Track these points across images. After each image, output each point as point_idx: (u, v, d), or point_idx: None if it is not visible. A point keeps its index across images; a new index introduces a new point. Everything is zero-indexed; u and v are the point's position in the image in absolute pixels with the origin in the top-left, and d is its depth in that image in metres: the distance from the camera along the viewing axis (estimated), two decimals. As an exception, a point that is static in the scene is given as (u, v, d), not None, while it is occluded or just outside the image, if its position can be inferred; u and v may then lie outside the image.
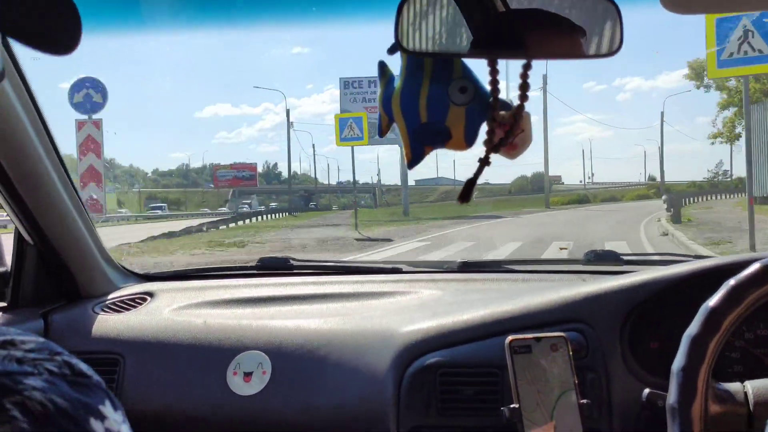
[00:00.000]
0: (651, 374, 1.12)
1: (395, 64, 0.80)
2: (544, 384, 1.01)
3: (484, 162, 0.81)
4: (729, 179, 53.72)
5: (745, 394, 0.80)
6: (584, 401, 1.01)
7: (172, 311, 1.50)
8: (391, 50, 0.76)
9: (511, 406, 0.99)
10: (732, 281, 0.79)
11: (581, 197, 37.63)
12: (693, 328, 0.79)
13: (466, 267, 1.73)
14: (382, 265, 1.86)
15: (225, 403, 1.28)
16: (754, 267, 0.78)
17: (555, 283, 1.51)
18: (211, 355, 1.34)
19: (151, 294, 1.59)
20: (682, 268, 1.17)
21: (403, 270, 1.76)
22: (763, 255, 0.85)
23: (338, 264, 1.97)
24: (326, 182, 66.10)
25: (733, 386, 0.81)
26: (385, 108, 0.78)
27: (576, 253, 8.14)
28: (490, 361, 1.13)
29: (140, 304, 1.55)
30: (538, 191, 46.82)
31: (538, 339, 1.04)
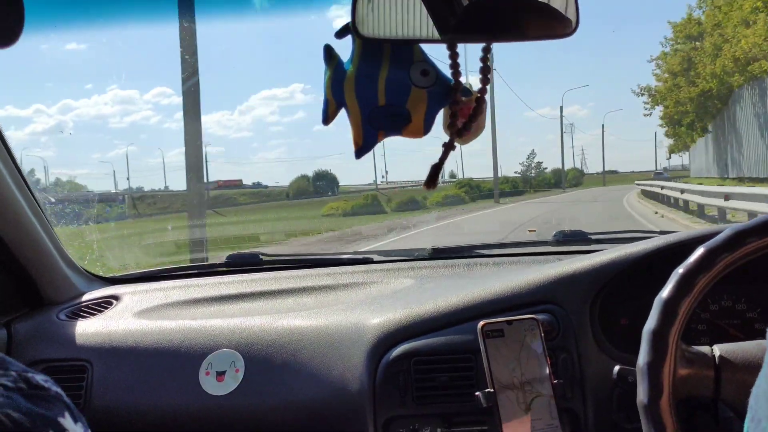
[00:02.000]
0: (622, 351, 1.13)
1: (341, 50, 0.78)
2: (518, 366, 1.01)
3: (449, 147, 0.81)
4: (543, 171, 51.62)
5: (713, 357, 0.81)
6: (557, 381, 1.01)
7: (138, 314, 1.47)
8: (339, 34, 0.75)
9: (486, 390, 0.99)
10: (703, 247, 0.80)
11: (368, 202, 26.83)
12: (665, 291, 0.80)
13: (437, 253, 1.73)
14: (353, 256, 1.85)
15: (198, 404, 1.26)
16: (727, 232, 0.79)
17: (525, 265, 1.52)
18: (182, 357, 1.32)
19: (116, 297, 1.56)
20: (648, 245, 1.18)
21: (374, 259, 1.75)
22: (708, 232, 0.86)
23: (309, 257, 1.96)
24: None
25: (702, 349, 0.82)
26: (335, 92, 0.76)
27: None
28: (464, 346, 1.13)
29: (106, 308, 1.52)
30: (322, 192, 40.04)
31: (509, 322, 1.04)
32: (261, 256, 1.79)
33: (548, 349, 1.06)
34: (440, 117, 0.79)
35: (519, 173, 51.29)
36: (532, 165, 51.69)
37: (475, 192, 33.96)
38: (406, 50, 0.77)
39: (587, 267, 1.19)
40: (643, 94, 29.45)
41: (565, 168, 46.42)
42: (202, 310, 1.49)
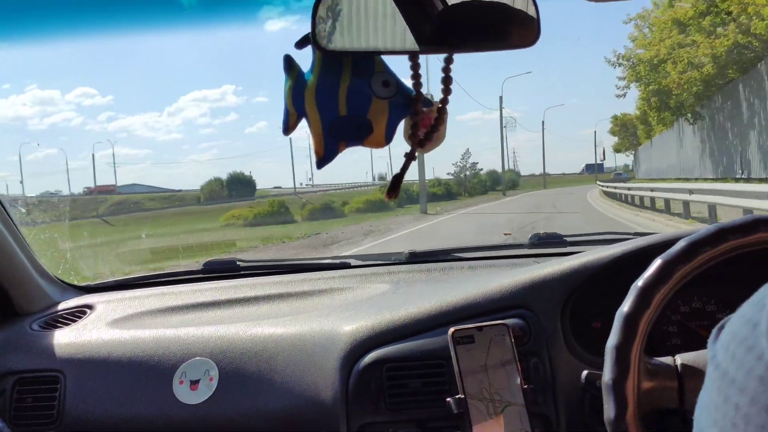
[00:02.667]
0: (594, 354, 1.13)
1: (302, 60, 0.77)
2: (488, 372, 1.02)
3: (411, 157, 0.81)
4: (479, 172, 47.39)
5: (676, 367, 0.82)
6: (528, 387, 1.02)
7: (112, 323, 1.46)
8: (300, 44, 0.75)
9: (456, 396, 1.00)
10: (659, 259, 0.80)
11: (273, 209, 23.95)
12: (625, 306, 0.80)
13: (414, 257, 1.74)
14: (330, 261, 1.85)
15: (172, 413, 1.25)
16: (681, 244, 0.80)
17: (500, 269, 1.53)
18: (156, 366, 1.31)
19: (90, 307, 1.55)
20: (619, 248, 1.19)
21: (352, 264, 1.75)
22: (691, 231, 0.87)
23: (287, 262, 1.95)
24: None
25: (664, 360, 0.83)
26: (295, 103, 0.76)
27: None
28: (436, 352, 1.14)
29: (80, 317, 1.51)
30: (237, 197, 37.38)
31: (480, 328, 1.04)
32: (238, 263, 1.79)
33: (520, 354, 1.06)
34: (401, 127, 0.80)
35: (452, 175, 47.08)
36: (467, 166, 46.52)
37: (402, 197, 29.58)
38: (367, 61, 0.77)
39: (558, 271, 1.19)
40: (620, 64, 23.34)
41: (501, 170, 43.73)
42: (176, 318, 1.48)
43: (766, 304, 0.38)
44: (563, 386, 1.13)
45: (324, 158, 0.76)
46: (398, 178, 0.80)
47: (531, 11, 0.75)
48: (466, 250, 1.79)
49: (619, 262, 1.17)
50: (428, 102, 0.77)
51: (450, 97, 0.80)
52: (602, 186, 27.04)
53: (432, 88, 0.86)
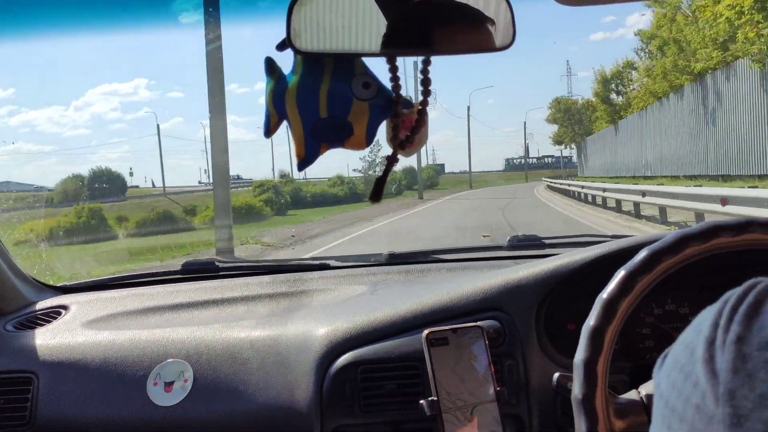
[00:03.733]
0: (568, 357, 1.14)
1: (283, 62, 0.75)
2: (462, 374, 1.02)
3: (393, 159, 0.81)
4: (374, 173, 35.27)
5: (642, 401, 0.82)
6: (501, 389, 1.03)
7: (87, 324, 1.45)
8: (280, 46, 0.74)
9: (430, 398, 1.00)
10: (622, 270, 0.81)
11: (81, 219, 16.88)
12: (591, 319, 0.81)
13: (393, 259, 1.74)
14: (310, 262, 1.85)
15: (146, 415, 1.25)
16: (642, 254, 0.80)
17: (478, 271, 1.53)
18: (130, 367, 1.30)
19: (65, 307, 1.53)
20: (591, 252, 1.20)
21: (331, 265, 1.75)
22: (652, 238, 0.87)
23: (266, 263, 1.95)
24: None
25: (630, 395, 0.83)
26: (276, 105, 0.76)
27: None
28: (411, 354, 1.14)
29: (54, 318, 1.49)
30: (101, 197, 30.09)
31: (454, 330, 1.05)
32: (217, 263, 1.78)
33: (494, 356, 1.07)
34: (383, 129, 0.80)
35: (360, 171, 38.70)
36: (376, 161, 35.19)
37: (280, 200, 23.03)
38: (347, 63, 0.77)
39: (533, 274, 1.20)
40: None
41: (417, 166, 33.96)
42: (152, 319, 1.47)
43: (702, 329, 0.38)
44: (536, 388, 1.13)
45: (305, 160, 0.77)
46: (380, 181, 0.80)
47: (506, 14, 0.75)
48: (444, 251, 1.80)
49: (592, 265, 1.18)
50: (408, 104, 0.77)
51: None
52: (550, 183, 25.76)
53: (408, 91, 0.84)
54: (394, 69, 0.79)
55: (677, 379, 0.38)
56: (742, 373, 0.34)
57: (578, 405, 0.78)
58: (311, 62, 0.76)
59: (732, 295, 0.38)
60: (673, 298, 1.23)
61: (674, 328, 1.22)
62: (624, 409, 0.80)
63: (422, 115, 0.80)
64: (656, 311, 1.23)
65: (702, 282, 1.14)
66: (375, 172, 36.60)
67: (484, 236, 9.50)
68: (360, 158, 40.15)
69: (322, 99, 0.75)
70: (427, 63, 0.79)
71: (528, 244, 1.75)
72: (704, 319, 0.39)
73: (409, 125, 0.80)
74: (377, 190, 0.83)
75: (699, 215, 8.94)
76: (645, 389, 0.84)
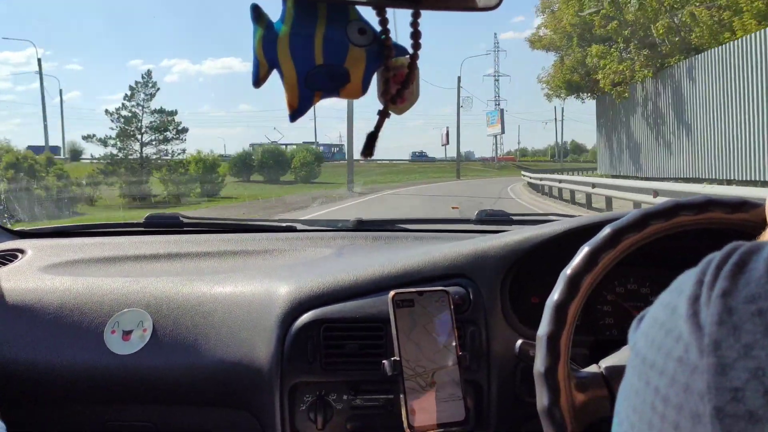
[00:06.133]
0: (530, 328, 1.16)
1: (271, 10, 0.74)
2: (425, 336, 1.03)
3: (384, 114, 0.80)
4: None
5: (602, 374, 0.83)
6: (462, 353, 1.03)
7: (44, 269, 1.41)
8: None
9: (393, 358, 1.00)
10: (586, 247, 0.82)
11: None
12: (554, 294, 0.82)
13: (362, 225, 1.73)
14: (276, 223, 1.83)
15: (102, 362, 1.22)
16: (606, 231, 0.81)
17: (445, 241, 1.54)
18: (87, 314, 1.27)
19: (22, 251, 1.49)
20: (558, 226, 1.21)
21: (298, 228, 1.74)
22: (619, 214, 0.88)
23: (231, 221, 1.92)
24: None
25: (591, 369, 0.84)
26: (267, 53, 0.74)
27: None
28: (375, 315, 1.14)
29: (10, 261, 1.45)
30: None
31: (420, 293, 1.05)
32: (181, 218, 1.75)
33: (458, 322, 1.07)
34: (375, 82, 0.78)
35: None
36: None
37: None
38: (341, 9, 0.75)
39: (500, 244, 1.21)
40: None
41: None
42: (113, 268, 1.44)
43: (684, 289, 0.38)
44: (497, 356, 1.15)
45: (298, 110, 0.75)
46: (372, 136, 0.79)
47: None
48: (413, 221, 1.80)
49: (557, 239, 1.19)
50: (403, 50, 0.76)
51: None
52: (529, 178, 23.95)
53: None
54: (384, 21, 0.77)
55: (657, 336, 0.38)
56: (728, 324, 0.34)
57: (540, 378, 0.79)
58: (304, 9, 0.74)
59: (715, 256, 0.39)
60: (636, 278, 1.26)
61: (635, 306, 1.25)
62: (585, 382, 0.81)
63: (412, 69, 0.79)
64: (618, 289, 1.25)
65: (663, 262, 1.16)
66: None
67: (453, 208, 9.58)
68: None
69: (318, 45, 0.73)
70: (416, 15, 0.78)
71: (496, 219, 1.76)
72: (685, 280, 0.39)
73: (400, 79, 0.79)
74: (368, 145, 0.82)
75: (636, 205, 10.22)
76: (605, 363, 0.85)
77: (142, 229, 1.72)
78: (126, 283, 1.33)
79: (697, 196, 0.82)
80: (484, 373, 1.14)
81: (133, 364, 1.22)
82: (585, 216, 1.28)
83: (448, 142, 62.08)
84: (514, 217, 1.76)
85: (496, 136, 69.23)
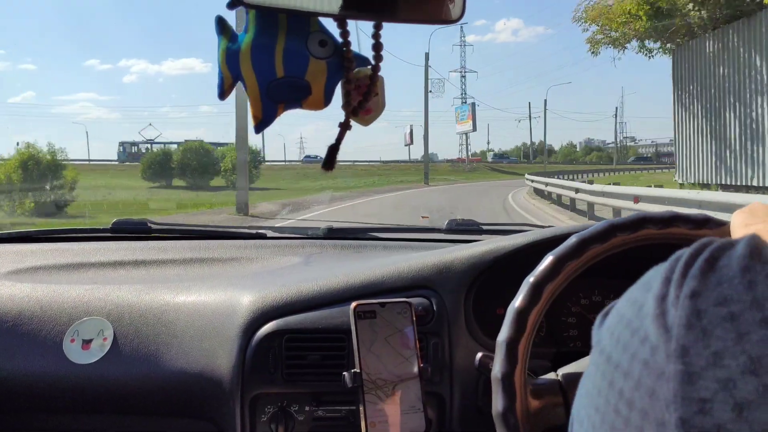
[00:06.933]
0: (494, 340, 1.16)
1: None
2: (387, 348, 1.02)
3: (345, 126, 0.80)
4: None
5: (560, 384, 0.83)
6: (424, 365, 1.03)
7: (4, 275, 1.38)
8: (231, 5, 0.72)
9: (353, 370, 0.99)
10: (551, 255, 0.82)
11: None
12: (516, 300, 0.82)
13: (331, 233, 1.73)
14: (245, 230, 1.82)
15: (60, 371, 1.20)
16: (571, 240, 0.82)
17: (414, 250, 1.53)
18: (47, 322, 1.25)
19: None
20: (524, 238, 1.22)
21: (267, 235, 1.72)
22: (584, 226, 0.89)
23: (200, 228, 1.90)
24: None
25: (548, 379, 0.85)
26: (230, 65, 0.74)
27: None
28: (337, 326, 1.13)
29: None
30: None
31: (382, 304, 1.04)
32: (150, 224, 1.73)
33: (421, 334, 1.07)
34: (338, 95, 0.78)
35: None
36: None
37: None
38: (302, 21, 0.75)
39: (465, 256, 1.21)
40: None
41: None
42: (75, 275, 1.42)
43: (651, 286, 0.36)
44: (460, 368, 1.14)
45: (263, 122, 0.75)
46: (333, 149, 0.79)
47: None
48: (383, 230, 1.79)
49: (523, 251, 1.19)
50: (364, 60, 0.75)
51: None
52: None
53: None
54: (345, 34, 0.77)
55: (622, 335, 0.36)
56: (697, 329, 0.32)
57: (497, 383, 0.79)
58: (265, 20, 0.74)
59: (684, 252, 0.36)
60: (601, 289, 1.26)
61: None
62: (540, 389, 0.82)
63: (374, 80, 0.79)
64: (583, 301, 1.26)
65: (630, 275, 1.17)
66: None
67: (423, 218, 9.62)
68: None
69: (278, 58, 0.73)
70: (378, 27, 0.78)
71: (465, 229, 1.76)
72: (653, 276, 0.37)
73: (363, 90, 0.79)
74: (330, 159, 0.81)
75: (617, 212, 10.41)
76: (563, 370, 0.85)
77: (109, 234, 1.70)
78: (88, 290, 1.31)
79: (663, 211, 0.83)
80: (446, 385, 1.14)
81: (93, 373, 1.20)
82: (554, 227, 1.28)
83: (412, 142, 57.30)
84: (484, 227, 1.76)
85: (466, 134, 60.79)
